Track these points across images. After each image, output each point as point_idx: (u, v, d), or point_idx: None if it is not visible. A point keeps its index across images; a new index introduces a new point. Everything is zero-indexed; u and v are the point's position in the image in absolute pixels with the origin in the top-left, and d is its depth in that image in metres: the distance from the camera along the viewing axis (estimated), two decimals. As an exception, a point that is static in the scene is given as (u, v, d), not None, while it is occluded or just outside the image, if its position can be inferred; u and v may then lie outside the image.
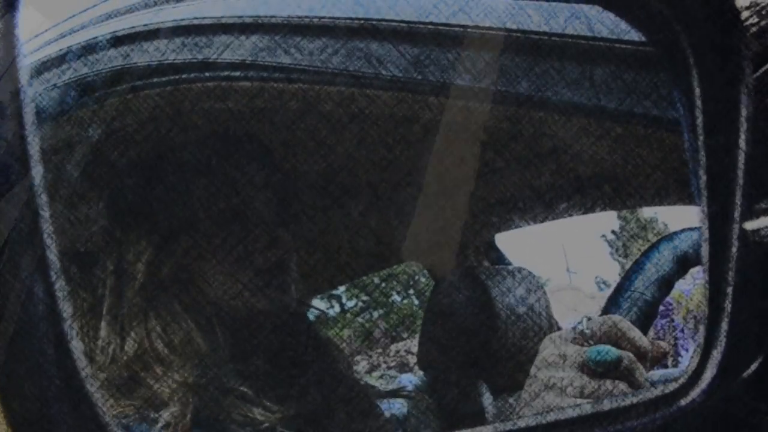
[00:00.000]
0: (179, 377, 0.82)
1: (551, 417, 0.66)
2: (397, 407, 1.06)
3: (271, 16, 0.86)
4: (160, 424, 0.78)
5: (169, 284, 0.86)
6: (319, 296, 1.10)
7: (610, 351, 0.71)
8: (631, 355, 0.72)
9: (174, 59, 0.83)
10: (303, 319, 1.00)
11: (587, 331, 0.74)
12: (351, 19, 0.86)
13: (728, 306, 0.61)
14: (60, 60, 0.81)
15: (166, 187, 0.88)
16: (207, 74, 0.84)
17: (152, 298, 0.85)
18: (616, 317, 0.74)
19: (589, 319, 0.75)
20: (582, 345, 0.73)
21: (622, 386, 0.71)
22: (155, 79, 0.83)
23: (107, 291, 0.84)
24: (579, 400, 0.72)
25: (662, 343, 0.75)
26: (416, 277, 1.15)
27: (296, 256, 0.92)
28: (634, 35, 0.76)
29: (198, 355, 0.84)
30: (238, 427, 0.82)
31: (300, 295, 0.95)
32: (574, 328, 0.75)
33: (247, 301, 0.88)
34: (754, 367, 0.62)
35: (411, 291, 1.15)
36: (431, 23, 0.85)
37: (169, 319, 0.84)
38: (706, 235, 0.63)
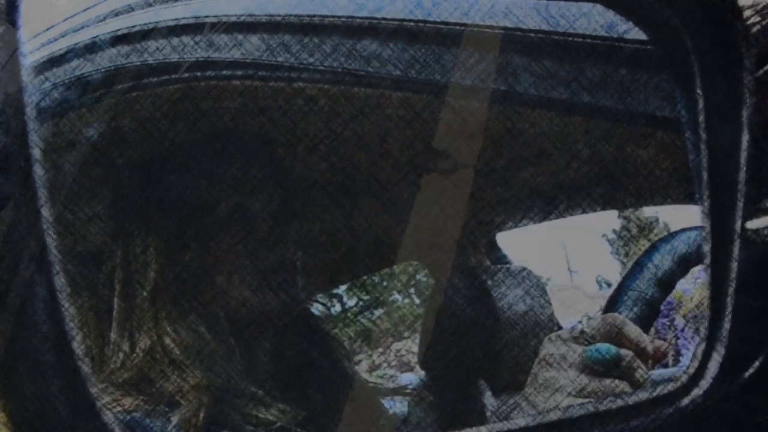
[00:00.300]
0: (191, 379, 0.82)
1: (551, 417, 0.66)
2: (397, 406, 1.06)
3: (271, 16, 0.86)
4: (172, 424, 0.78)
5: (178, 286, 0.86)
6: (320, 296, 1.10)
7: (610, 350, 0.72)
8: (631, 353, 0.72)
9: (174, 58, 0.83)
10: (309, 317, 1.00)
11: (587, 330, 0.74)
12: (351, 18, 0.86)
13: (729, 305, 0.61)
14: (61, 59, 0.81)
15: (167, 188, 0.88)
16: (207, 73, 0.84)
17: (162, 300, 0.85)
18: (615, 316, 0.74)
19: (589, 318, 0.75)
20: (582, 344, 0.73)
21: (623, 385, 0.71)
22: (155, 79, 0.83)
23: (115, 293, 0.84)
24: (579, 400, 0.72)
25: (662, 342, 0.75)
26: (416, 277, 1.15)
27: (301, 254, 0.92)
28: (636, 34, 0.76)
29: (209, 356, 0.84)
30: (249, 427, 0.82)
31: (305, 293, 0.95)
32: (573, 328, 0.75)
33: (255, 301, 0.88)
34: (755, 366, 0.62)
35: (411, 290, 1.15)
36: (431, 23, 0.85)
37: (180, 321, 0.84)
38: (708, 234, 0.63)
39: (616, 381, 0.72)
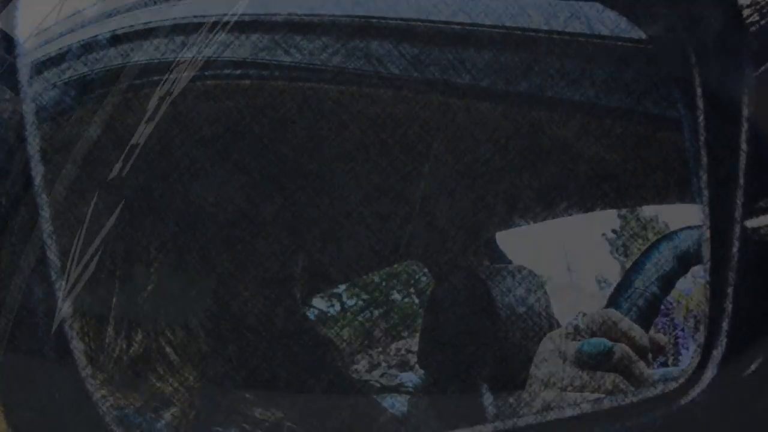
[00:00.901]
0: (184, 380, 0.82)
1: (551, 416, 0.67)
2: (396, 406, 1.06)
3: (271, 15, 0.86)
4: (162, 423, 0.78)
5: (178, 289, 0.86)
6: (319, 295, 1.10)
7: (601, 342, 0.72)
8: (624, 346, 0.72)
9: (174, 58, 0.83)
10: (305, 318, 1.00)
11: (582, 326, 0.74)
12: (351, 17, 0.86)
13: (729, 305, 0.61)
14: (60, 59, 0.81)
15: (168, 189, 0.88)
16: (207, 73, 0.84)
17: (161, 301, 0.85)
18: (609, 311, 0.75)
19: (584, 315, 0.75)
20: (578, 340, 0.74)
21: (619, 380, 0.71)
22: (155, 78, 0.83)
23: (114, 293, 0.84)
24: (579, 398, 0.72)
25: (660, 335, 0.75)
26: (416, 277, 1.15)
27: (302, 254, 0.92)
28: (635, 33, 0.76)
29: (203, 358, 0.84)
30: (245, 426, 0.82)
31: (301, 295, 0.95)
32: (569, 325, 0.75)
33: (255, 302, 0.88)
34: (754, 366, 0.62)
35: (411, 290, 1.15)
36: (431, 22, 0.85)
37: (177, 323, 0.85)
38: (707, 234, 0.63)
39: (614, 377, 0.72)
